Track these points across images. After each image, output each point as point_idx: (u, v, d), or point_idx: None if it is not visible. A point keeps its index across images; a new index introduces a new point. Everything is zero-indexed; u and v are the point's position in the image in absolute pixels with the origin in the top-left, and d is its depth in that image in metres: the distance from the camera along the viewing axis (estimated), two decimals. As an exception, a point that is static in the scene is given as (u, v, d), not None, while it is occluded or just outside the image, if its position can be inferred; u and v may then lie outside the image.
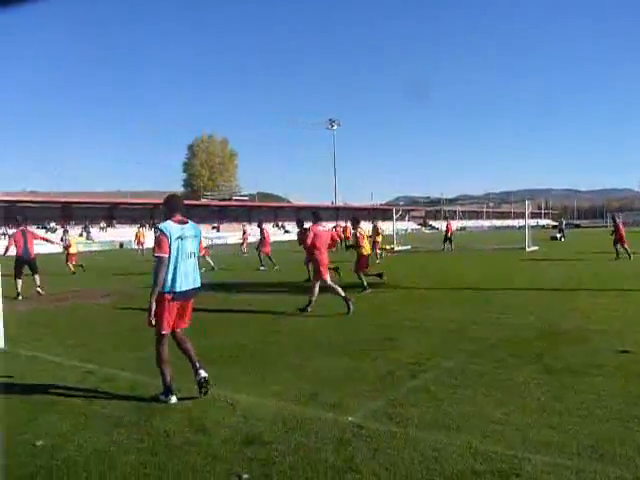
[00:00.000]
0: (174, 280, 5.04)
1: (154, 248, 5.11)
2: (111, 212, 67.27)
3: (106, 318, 10.30)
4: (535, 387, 5.19)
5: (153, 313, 4.99)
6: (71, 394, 5.37)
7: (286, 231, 76.59)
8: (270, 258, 20.57)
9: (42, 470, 3.69)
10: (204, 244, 19.31)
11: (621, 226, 21.43)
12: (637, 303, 10.30)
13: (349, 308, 9.67)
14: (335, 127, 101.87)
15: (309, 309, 10.00)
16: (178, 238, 5.07)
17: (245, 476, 3.56)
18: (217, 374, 5.86)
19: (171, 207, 5.26)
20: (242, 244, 32.69)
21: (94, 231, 60.76)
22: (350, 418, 4.47)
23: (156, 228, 5.33)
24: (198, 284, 5.30)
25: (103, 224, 64.07)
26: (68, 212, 61.21)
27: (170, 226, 5.11)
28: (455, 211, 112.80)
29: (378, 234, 23.06)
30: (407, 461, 3.67)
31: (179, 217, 5.21)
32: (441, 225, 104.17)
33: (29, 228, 16.89)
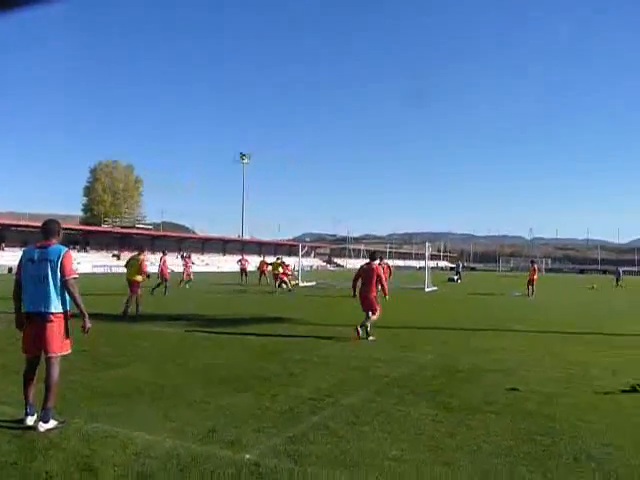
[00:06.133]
0: (23, 301, 5.09)
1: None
2: (1, 234, 62.98)
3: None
4: (431, 424, 5.34)
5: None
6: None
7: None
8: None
9: None
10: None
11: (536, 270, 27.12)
12: (527, 342, 10.93)
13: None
14: (246, 161, 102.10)
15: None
16: (29, 260, 5.05)
17: None
18: (112, 410, 5.58)
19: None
20: (184, 273, 30.17)
21: (-20, 254, 56.51)
22: (247, 456, 4.37)
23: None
24: (48, 309, 5.01)
25: (-9, 247, 59.73)
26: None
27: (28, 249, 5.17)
28: (360, 250, 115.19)
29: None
30: (304, 499, 3.62)
31: (42, 242, 5.15)
32: (347, 263, 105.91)
33: None
